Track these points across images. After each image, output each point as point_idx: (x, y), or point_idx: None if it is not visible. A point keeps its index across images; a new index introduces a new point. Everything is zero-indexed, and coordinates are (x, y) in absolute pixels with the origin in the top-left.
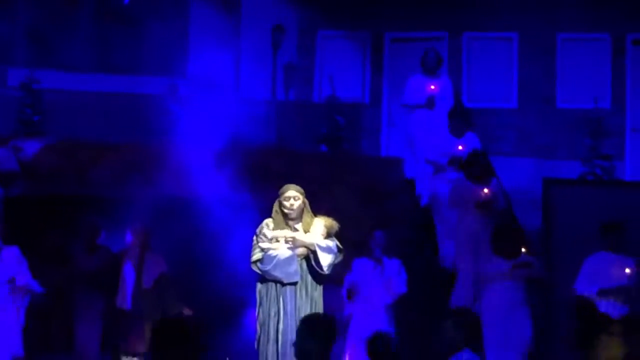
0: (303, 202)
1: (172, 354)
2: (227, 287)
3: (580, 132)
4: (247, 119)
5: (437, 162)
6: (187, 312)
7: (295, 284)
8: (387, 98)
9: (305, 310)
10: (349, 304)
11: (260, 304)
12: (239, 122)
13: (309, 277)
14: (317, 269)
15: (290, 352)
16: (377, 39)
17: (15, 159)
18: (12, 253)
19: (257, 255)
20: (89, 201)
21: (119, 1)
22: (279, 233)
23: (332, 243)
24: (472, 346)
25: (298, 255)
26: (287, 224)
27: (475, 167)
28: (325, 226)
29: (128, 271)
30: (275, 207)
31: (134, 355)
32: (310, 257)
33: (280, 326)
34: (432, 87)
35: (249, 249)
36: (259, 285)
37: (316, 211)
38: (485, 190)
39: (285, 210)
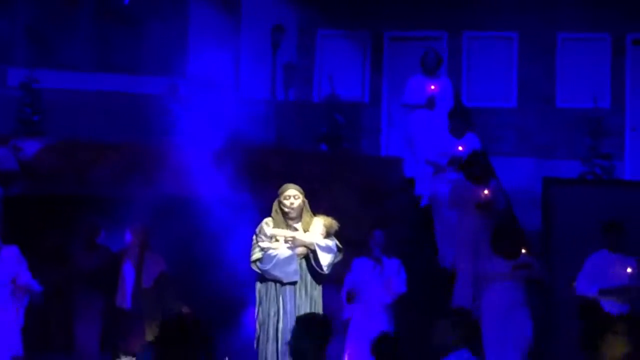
0: (303, 201)
1: (184, 352)
2: (227, 287)
3: (580, 132)
4: (246, 119)
5: (437, 163)
6: (186, 311)
7: (294, 283)
8: (386, 97)
9: (305, 310)
10: (348, 307)
11: (260, 303)
12: (238, 122)
13: (309, 277)
14: (317, 269)
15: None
16: (377, 39)
17: (15, 158)
18: (11, 252)
19: (256, 254)
20: (88, 201)
21: (118, 1)
22: (279, 232)
23: (331, 242)
24: (469, 346)
25: (298, 255)
26: (286, 224)
27: (475, 168)
28: (325, 225)
29: (127, 271)
30: (275, 206)
31: (133, 355)
32: (309, 257)
33: (280, 325)
34: (432, 87)
35: (248, 248)
36: (258, 285)
37: (316, 210)
38: (486, 191)
39: (285, 209)
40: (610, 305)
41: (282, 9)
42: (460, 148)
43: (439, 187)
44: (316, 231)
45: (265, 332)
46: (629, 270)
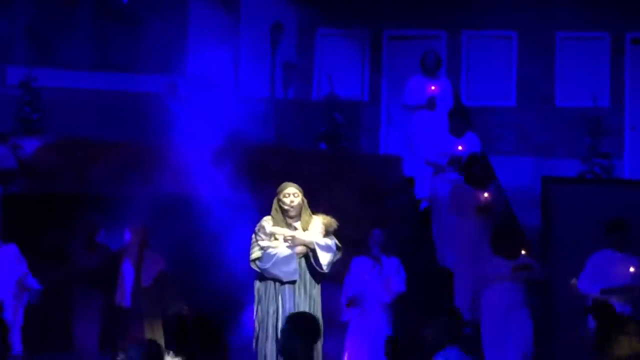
0: (302, 199)
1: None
2: (226, 285)
3: (579, 131)
4: (246, 117)
5: (436, 163)
6: (186, 310)
7: (294, 282)
8: (386, 96)
9: (304, 309)
10: (347, 310)
11: (259, 302)
12: (238, 121)
13: (308, 276)
14: (317, 268)
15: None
16: (376, 37)
17: (15, 156)
18: (11, 251)
19: (256, 253)
20: (87, 199)
21: (118, 0)
22: (279, 230)
23: (330, 241)
24: (460, 344)
25: (297, 254)
26: (286, 222)
27: (474, 171)
28: (324, 224)
29: (127, 269)
30: (275, 205)
31: None
32: (309, 256)
33: (279, 324)
34: (433, 87)
35: (247, 247)
36: (257, 283)
37: (315, 209)
38: (485, 195)
39: (285, 207)
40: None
41: (282, 7)
42: (459, 147)
43: (439, 187)
44: (315, 230)
45: (265, 331)
46: (631, 269)
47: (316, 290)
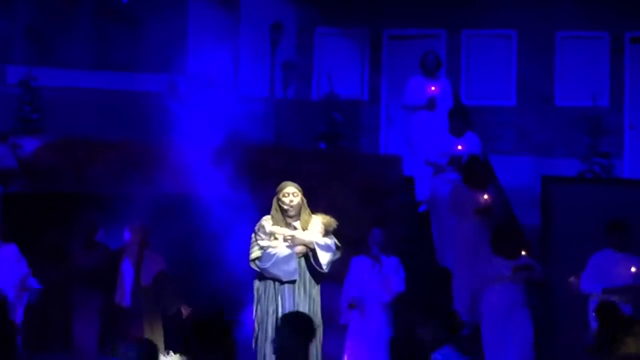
0: (301, 199)
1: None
2: (226, 285)
3: (579, 130)
4: (245, 117)
5: (436, 163)
6: (185, 309)
7: (293, 282)
8: (385, 95)
9: (304, 308)
10: (346, 313)
11: (258, 301)
12: (237, 120)
13: (307, 275)
14: (316, 267)
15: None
16: (376, 37)
17: (14, 156)
18: (10, 251)
19: (255, 253)
20: (87, 198)
21: None
22: (278, 230)
23: (330, 241)
24: (455, 342)
25: (297, 254)
26: (285, 222)
27: (474, 172)
28: (324, 224)
29: (126, 269)
30: (274, 204)
31: None
32: (309, 255)
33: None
34: (433, 88)
35: (247, 246)
36: (256, 283)
37: (315, 208)
38: (485, 197)
39: (284, 207)
40: None
41: (281, 7)
42: (459, 147)
43: (439, 187)
44: (315, 230)
45: (264, 331)
46: (632, 269)
47: (316, 290)
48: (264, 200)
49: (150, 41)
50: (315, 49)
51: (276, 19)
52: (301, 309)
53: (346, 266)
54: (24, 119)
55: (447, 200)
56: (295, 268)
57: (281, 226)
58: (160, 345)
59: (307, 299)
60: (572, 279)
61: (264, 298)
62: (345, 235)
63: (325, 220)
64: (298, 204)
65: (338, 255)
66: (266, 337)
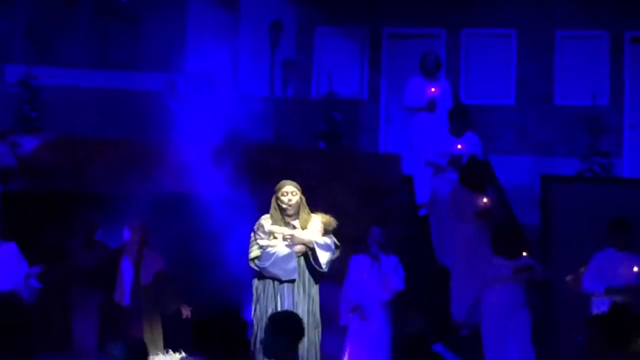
0: (300, 198)
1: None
2: (225, 284)
3: (578, 129)
4: (245, 116)
5: (436, 163)
6: (185, 308)
7: (292, 281)
8: (385, 94)
9: (303, 308)
10: (346, 315)
11: (257, 301)
12: (237, 119)
13: (307, 274)
14: (316, 267)
15: None
16: (376, 36)
17: (13, 154)
18: (10, 249)
19: (255, 252)
20: (86, 197)
21: None
22: (277, 229)
23: (329, 240)
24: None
25: (296, 253)
26: (284, 221)
27: (473, 172)
28: (323, 223)
29: (126, 267)
30: (273, 203)
31: None
32: (308, 255)
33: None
34: (433, 89)
35: (247, 246)
36: (255, 282)
37: (314, 208)
38: (485, 200)
39: (283, 206)
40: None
41: (281, 6)
42: (459, 147)
43: (439, 187)
44: (315, 229)
45: (263, 331)
46: (635, 269)
47: (315, 289)
48: (263, 200)
49: (150, 40)
50: (315, 48)
51: (276, 18)
52: (300, 308)
53: (345, 265)
54: (23, 117)
55: (446, 201)
56: (294, 267)
57: (280, 225)
58: (160, 344)
59: (306, 298)
60: (568, 277)
61: (263, 297)
62: (344, 234)
63: (325, 220)
64: (297, 202)
65: (337, 254)
66: None
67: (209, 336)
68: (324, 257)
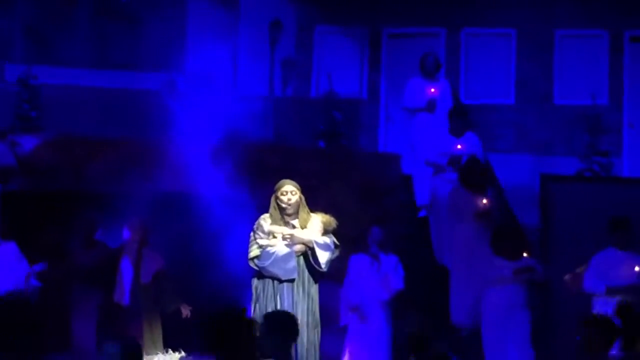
0: (299, 197)
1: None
2: (225, 283)
3: (578, 129)
4: (244, 115)
5: (437, 164)
6: (184, 308)
7: (292, 280)
8: (385, 94)
9: (303, 307)
10: (346, 315)
11: (257, 300)
12: (236, 118)
13: (306, 274)
14: (315, 266)
15: None
16: (375, 35)
17: (13, 154)
18: (10, 249)
19: (254, 251)
20: (86, 196)
21: None
22: (277, 229)
23: (329, 240)
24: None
25: (296, 252)
26: (284, 220)
27: (472, 172)
28: (323, 223)
29: (126, 267)
30: (272, 202)
31: None
32: (307, 254)
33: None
34: (432, 90)
35: (246, 245)
36: (255, 281)
37: (314, 207)
38: (484, 201)
39: (283, 205)
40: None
41: (281, 5)
42: (459, 147)
43: (439, 187)
44: (314, 228)
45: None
46: (636, 268)
47: (314, 288)
48: (263, 199)
49: (150, 39)
50: (315, 47)
51: (275, 17)
52: (300, 308)
53: (345, 265)
54: (22, 117)
55: (446, 202)
56: (294, 266)
57: (279, 225)
58: (160, 343)
59: (305, 298)
60: (567, 277)
61: (263, 297)
62: (344, 233)
63: (324, 220)
64: (296, 202)
65: (337, 254)
66: None
67: (217, 336)
68: (323, 256)
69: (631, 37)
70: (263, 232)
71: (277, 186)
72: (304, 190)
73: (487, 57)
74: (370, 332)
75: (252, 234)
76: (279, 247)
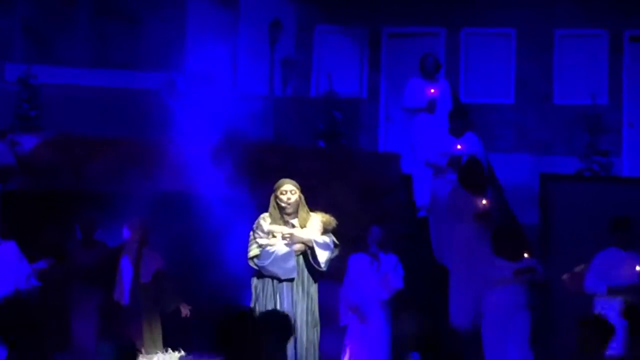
0: (299, 196)
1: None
2: (224, 283)
3: (577, 128)
4: (244, 115)
5: (436, 164)
6: (184, 307)
7: (292, 280)
8: (384, 93)
9: (302, 306)
10: (345, 315)
11: (257, 299)
12: (236, 118)
13: (306, 273)
14: (315, 266)
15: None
16: (375, 35)
17: (12, 153)
18: (10, 248)
19: (254, 251)
20: (86, 196)
21: None
22: (277, 228)
23: (328, 239)
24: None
25: (295, 252)
26: (283, 219)
27: (472, 172)
28: (323, 222)
29: (125, 266)
30: (272, 202)
31: None
32: (307, 254)
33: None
34: (432, 90)
35: (246, 244)
36: (254, 281)
37: (314, 206)
38: (484, 202)
39: (282, 204)
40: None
41: (280, 4)
42: (459, 147)
43: (439, 187)
44: (314, 228)
45: None
46: (637, 268)
47: (314, 288)
48: (262, 199)
49: (149, 39)
50: (315, 46)
51: (275, 17)
52: (299, 307)
53: (345, 264)
54: (22, 116)
55: (446, 202)
56: (293, 266)
57: (279, 224)
58: (159, 343)
59: (305, 297)
60: (565, 276)
61: (262, 296)
62: (343, 233)
63: (324, 219)
64: (296, 201)
65: (336, 253)
66: None
67: (225, 335)
68: (323, 256)
69: (631, 37)
70: (263, 231)
71: (276, 185)
72: (303, 190)
73: (487, 57)
74: (370, 331)
75: (251, 233)
76: (279, 247)
